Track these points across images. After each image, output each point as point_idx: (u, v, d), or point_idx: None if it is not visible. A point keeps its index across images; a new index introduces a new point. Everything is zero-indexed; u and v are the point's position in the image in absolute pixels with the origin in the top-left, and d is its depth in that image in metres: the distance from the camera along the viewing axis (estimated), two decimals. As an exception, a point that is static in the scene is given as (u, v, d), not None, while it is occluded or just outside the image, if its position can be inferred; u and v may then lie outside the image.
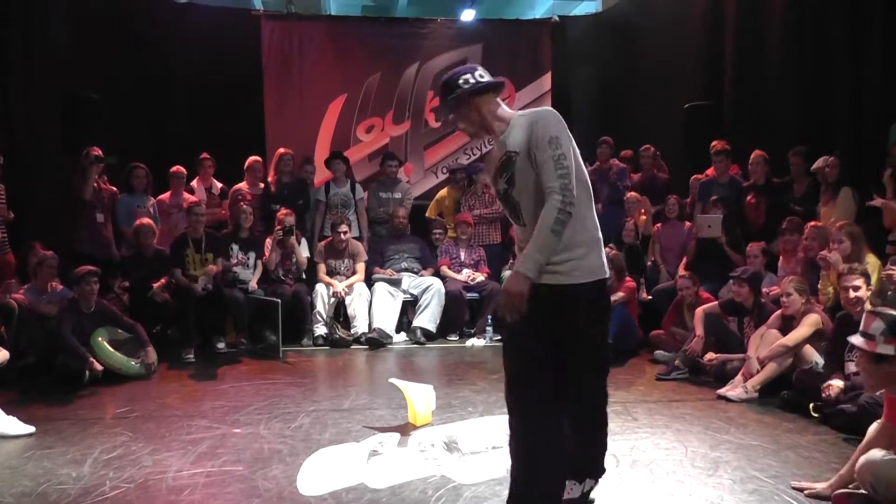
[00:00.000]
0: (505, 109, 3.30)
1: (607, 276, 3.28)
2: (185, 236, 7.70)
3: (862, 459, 3.45)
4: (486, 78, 3.26)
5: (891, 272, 5.44)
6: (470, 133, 3.40)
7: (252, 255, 8.13)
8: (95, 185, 7.73)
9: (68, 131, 8.24)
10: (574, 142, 3.12)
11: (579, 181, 3.10)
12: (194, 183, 8.84)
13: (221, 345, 7.49)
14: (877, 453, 3.41)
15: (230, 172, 8.93)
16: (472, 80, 3.22)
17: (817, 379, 5.12)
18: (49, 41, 8.30)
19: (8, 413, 4.97)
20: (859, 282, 5.23)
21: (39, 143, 8.14)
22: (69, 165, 7.85)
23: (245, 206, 8.18)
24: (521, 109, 3.29)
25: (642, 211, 8.42)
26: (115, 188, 8.16)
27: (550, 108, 3.23)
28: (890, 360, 3.31)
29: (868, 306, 4.98)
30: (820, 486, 3.71)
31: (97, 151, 7.62)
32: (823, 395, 4.93)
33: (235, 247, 8.03)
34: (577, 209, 3.05)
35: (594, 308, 3.23)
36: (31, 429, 4.91)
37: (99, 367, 6.24)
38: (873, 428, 3.62)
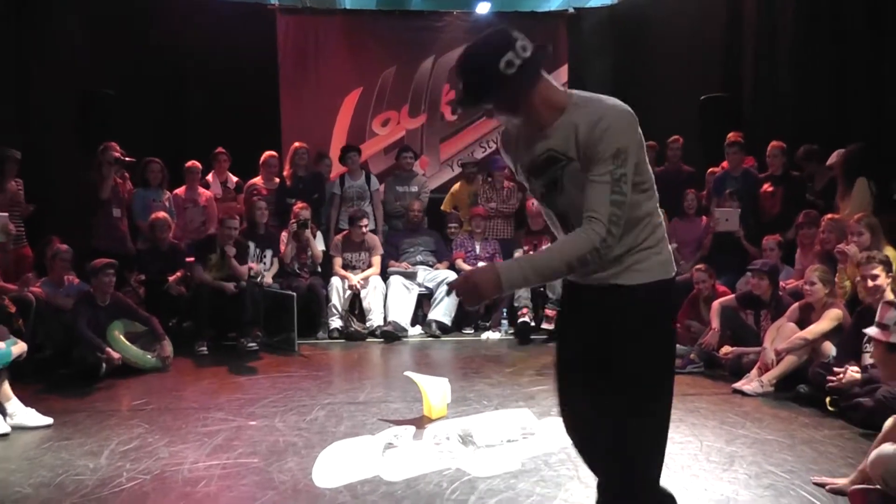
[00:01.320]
0: (556, 90, 2.45)
1: (670, 276, 2.51)
2: (214, 241, 7.60)
3: (874, 454, 3.43)
4: (530, 49, 2.36)
5: None
6: (507, 124, 2.64)
7: (269, 252, 8.13)
8: (113, 181, 7.75)
9: (84, 128, 8.28)
10: (643, 141, 2.43)
11: (640, 186, 2.41)
12: (209, 177, 8.87)
13: (253, 344, 7.36)
14: (888, 447, 3.39)
15: (246, 167, 8.96)
16: (516, 62, 2.32)
17: (833, 373, 5.08)
18: (64, 39, 8.36)
19: (26, 405, 5.01)
20: (878, 270, 5.20)
21: (56, 139, 8.20)
22: (86, 161, 7.88)
23: (259, 202, 8.16)
24: (574, 90, 2.53)
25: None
26: (128, 176, 8.19)
27: (619, 106, 2.41)
28: None
29: (889, 294, 4.96)
30: (841, 482, 3.69)
31: (118, 153, 7.64)
32: (834, 381, 4.92)
33: (252, 244, 7.99)
34: (641, 211, 2.43)
35: (650, 318, 2.45)
36: (49, 420, 4.96)
37: (116, 355, 6.27)
38: (890, 422, 3.60)
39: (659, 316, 2.47)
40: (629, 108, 2.40)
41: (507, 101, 2.42)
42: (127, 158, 7.77)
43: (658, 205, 2.53)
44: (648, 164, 2.47)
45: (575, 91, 2.48)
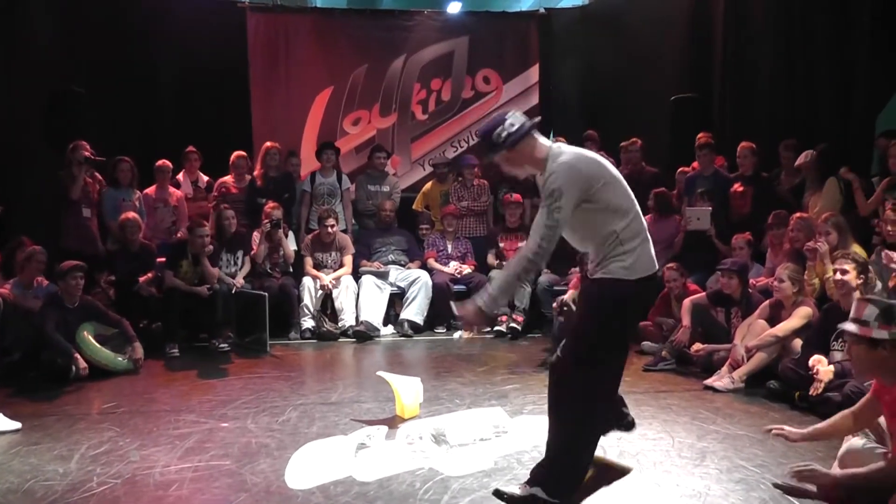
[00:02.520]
0: (540, 147, 3.49)
1: (629, 278, 3.38)
2: (185, 247, 7.54)
3: (844, 448, 3.48)
4: (517, 126, 3.47)
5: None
6: (518, 174, 3.75)
7: (240, 252, 8.07)
8: (83, 181, 7.66)
9: (52, 125, 8.16)
10: (606, 178, 3.38)
11: (609, 209, 3.38)
12: (180, 176, 8.79)
13: (224, 346, 7.36)
14: (857, 442, 3.44)
15: (216, 166, 8.87)
16: (504, 134, 3.45)
17: (803, 369, 5.14)
18: (33, 36, 8.23)
19: (-6, 409, 4.95)
20: (849, 267, 5.24)
21: (25, 137, 8.08)
22: (54, 160, 7.78)
23: (227, 211, 8.03)
24: (558, 144, 3.54)
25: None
26: (101, 178, 8.08)
27: (569, 160, 3.37)
28: (884, 344, 3.32)
29: (857, 295, 5.01)
30: (790, 430, 3.65)
31: (87, 152, 7.55)
32: (812, 392, 4.96)
33: (223, 252, 7.92)
34: (608, 229, 3.39)
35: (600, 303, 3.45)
36: (17, 425, 4.89)
37: (83, 364, 6.19)
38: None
39: (605, 300, 3.42)
40: (574, 164, 3.36)
41: (504, 158, 3.53)
42: (97, 158, 7.68)
43: (631, 221, 3.41)
44: (621, 193, 3.42)
45: (556, 147, 3.48)
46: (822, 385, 4.91)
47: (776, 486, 3.72)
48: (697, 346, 6.30)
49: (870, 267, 5.46)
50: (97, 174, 7.97)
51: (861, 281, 5.18)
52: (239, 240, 8.10)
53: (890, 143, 6.54)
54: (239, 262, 8.03)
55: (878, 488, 3.18)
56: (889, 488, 3.15)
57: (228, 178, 8.69)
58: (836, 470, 3.52)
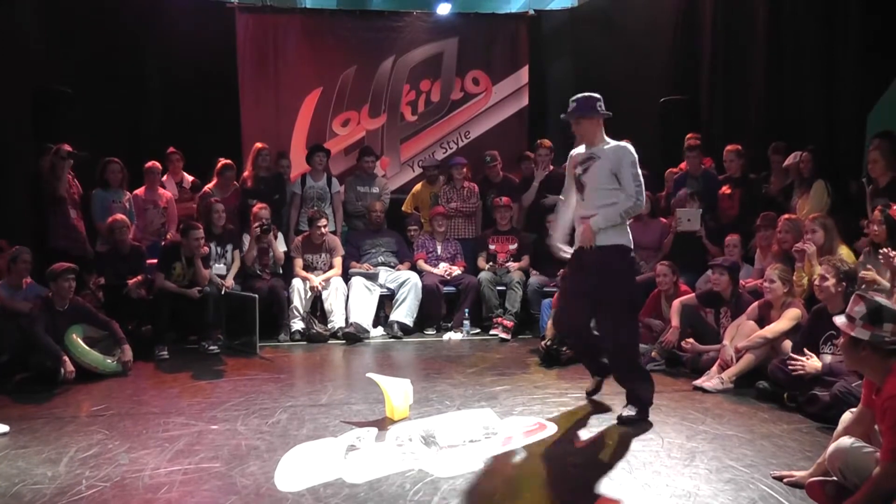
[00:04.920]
0: (601, 130, 5.05)
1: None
2: (178, 250, 7.51)
3: (831, 447, 3.49)
4: (601, 110, 5.01)
5: (864, 274, 5.46)
6: (578, 134, 5.05)
7: (230, 247, 8.05)
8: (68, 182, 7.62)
9: (40, 126, 8.11)
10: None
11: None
12: (164, 178, 8.73)
13: (214, 347, 7.34)
14: (846, 441, 3.45)
15: (205, 166, 8.82)
16: (603, 106, 4.99)
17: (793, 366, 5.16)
18: (20, 34, 8.18)
19: (-19, 412, 4.92)
20: (829, 274, 5.25)
21: (10, 137, 8.02)
22: (39, 160, 7.72)
23: (217, 204, 8.00)
24: (610, 139, 5.06)
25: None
26: (79, 182, 8.03)
27: (630, 146, 5.01)
28: (863, 344, 3.35)
29: (839, 302, 5.04)
30: (799, 475, 3.75)
31: (68, 148, 7.52)
32: (797, 368, 5.00)
33: (212, 244, 7.89)
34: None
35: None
36: (5, 428, 4.86)
37: (71, 368, 6.16)
38: (846, 416, 3.66)
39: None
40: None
41: (590, 122, 5.01)
42: (80, 153, 7.64)
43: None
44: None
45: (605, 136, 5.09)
46: (805, 366, 4.97)
47: (775, 477, 3.80)
48: (688, 341, 6.32)
49: (858, 272, 5.47)
50: (74, 174, 7.88)
51: (841, 289, 5.18)
52: (229, 234, 8.08)
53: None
54: (228, 257, 7.99)
55: (885, 495, 3.20)
56: (891, 490, 3.18)
57: (212, 187, 8.53)
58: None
